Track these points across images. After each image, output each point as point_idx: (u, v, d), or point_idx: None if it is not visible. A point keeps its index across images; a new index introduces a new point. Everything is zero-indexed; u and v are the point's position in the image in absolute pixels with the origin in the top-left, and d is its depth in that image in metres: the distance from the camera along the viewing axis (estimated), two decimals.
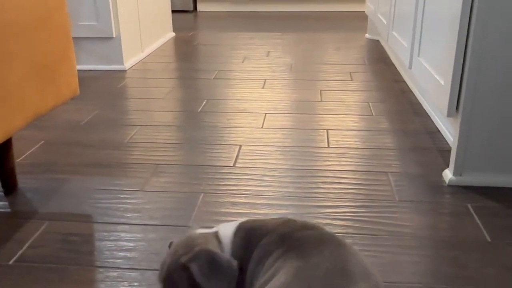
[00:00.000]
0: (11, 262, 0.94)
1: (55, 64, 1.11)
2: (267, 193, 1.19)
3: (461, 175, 1.21)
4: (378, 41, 2.94)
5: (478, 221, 1.06)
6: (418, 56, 1.50)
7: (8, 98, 0.95)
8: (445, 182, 1.23)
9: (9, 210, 1.13)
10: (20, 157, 1.40)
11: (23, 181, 1.26)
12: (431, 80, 1.32)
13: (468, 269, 0.91)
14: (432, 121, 1.63)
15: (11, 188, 1.20)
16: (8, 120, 0.96)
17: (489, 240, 1.00)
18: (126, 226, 1.06)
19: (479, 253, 0.96)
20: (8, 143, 1.17)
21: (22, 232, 1.04)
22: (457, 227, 1.04)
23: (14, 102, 0.97)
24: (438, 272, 0.90)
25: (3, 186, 1.20)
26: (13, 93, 0.97)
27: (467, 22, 1.10)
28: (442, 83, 1.22)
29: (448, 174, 1.23)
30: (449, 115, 1.18)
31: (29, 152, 1.43)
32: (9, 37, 0.95)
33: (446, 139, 1.48)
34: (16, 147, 1.47)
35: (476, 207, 1.12)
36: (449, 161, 1.35)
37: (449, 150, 1.41)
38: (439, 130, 1.55)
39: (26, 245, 0.99)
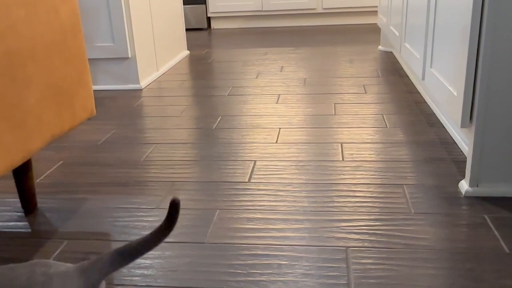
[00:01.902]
0: None
1: (71, 87, 1.14)
2: (282, 208, 1.19)
3: (477, 186, 1.20)
4: (391, 52, 2.94)
5: (496, 232, 1.05)
6: (431, 67, 1.50)
7: (26, 121, 0.98)
8: (461, 193, 1.22)
9: (29, 230, 1.15)
10: (40, 177, 1.43)
11: (42, 201, 1.29)
12: (444, 91, 1.32)
13: (486, 281, 0.90)
14: (447, 132, 1.62)
15: (31, 208, 1.23)
16: (26, 142, 0.98)
17: (507, 251, 0.99)
18: None
19: (497, 264, 0.95)
20: (27, 164, 1.20)
21: (42, 251, 1.06)
22: (475, 239, 1.03)
23: (32, 125, 1.00)
24: (456, 285, 0.90)
25: (23, 206, 1.23)
26: (31, 116, 1.00)
27: (478, 32, 1.10)
28: (455, 94, 1.22)
29: (464, 185, 1.23)
30: (463, 126, 1.18)
31: (48, 172, 1.47)
32: (26, 62, 0.98)
33: (462, 149, 1.47)
34: (35, 167, 1.50)
35: (494, 218, 1.11)
36: (465, 171, 1.34)
37: (464, 161, 1.40)
38: (454, 141, 1.54)
39: None
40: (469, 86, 1.14)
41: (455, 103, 1.21)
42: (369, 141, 1.58)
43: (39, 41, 1.02)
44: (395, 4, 2.28)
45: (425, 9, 1.57)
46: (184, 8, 4.23)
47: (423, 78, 1.60)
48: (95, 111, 1.26)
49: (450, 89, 1.26)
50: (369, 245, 1.02)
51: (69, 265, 0.60)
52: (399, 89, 2.16)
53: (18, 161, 0.96)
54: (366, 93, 2.12)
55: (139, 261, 1.01)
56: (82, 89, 1.19)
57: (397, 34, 2.18)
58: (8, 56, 0.92)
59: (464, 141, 1.48)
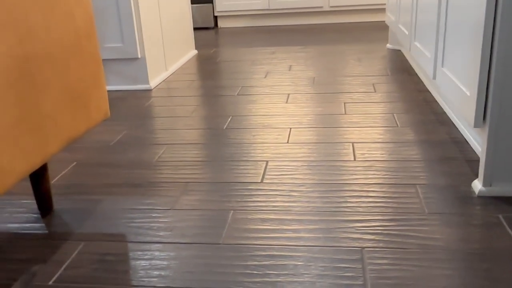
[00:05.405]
0: (50, 282, 0.97)
1: (86, 90, 1.15)
2: (295, 209, 1.20)
3: (490, 185, 1.20)
4: (399, 51, 2.94)
5: (510, 232, 1.05)
6: (442, 66, 1.50)
7: (44, 125, 0.99)
8: (475, 193, 1.22)
9: (46, 231, 1.16)
10: (54, 178, 1.45)
11: (57, 202, 1.30)
12: (456, 90, 1.32)
13: (501, 281, 0.91)
14: (459, 131, 1.62)
15: (47, 210, 1.24)
16: (44, 145, 1.00)
17: None
18: (159, 245, 1.08)
19: None
20: (44, 166, 1.21)
21: (60, 253, 1.07)
22: (489, 239, 1.04)
23: (50, 128, 1.01)
24: (471, 285, 0.90)
25: (39, 208, 1.24)
26: (48, 120, 1.01)
27: (491, 30, 1.10)
28: (468, 93, 1.22)
29: (477, 185, 1.23)
30: (476, 125, 1.18)
31: (62, 173, 1.48)
32: (43, 66, 0.99)
33: (474, 148, 1.47)
34: (49, 169, 1.51)
35: (508, 218, 1.11)
36: (478, 171, 1.34)
37: (477, 160, 1.40)
38: (466, 140, 1.54)
39: (64, 265, 1.03)
40: (483, 85, 1.14)
41: (468, 102, 1.21)
42: (380, 140, 1.59)
43: (55, 45, 1.03)
44: (404, 2, 2.28)
45: (436, 6, 1.57)
46: (191, 7, 4.23)
47: (434, 77, 1.60)
48: (109, 113, 1.27)
49: (463, 88, 1.26)
50: (384, 246, 1.03)
51: None
52: (409, 87, 2.16)
53: (37, 164, 0.97)
54: (375, 92, 2.12)
55: (156, 262, 1.02)
56: (97, 91, 1.20)
57: (407, 33, 2.18)
58: (27, 60, 0.93)
59: (476, 140, 1.48)
